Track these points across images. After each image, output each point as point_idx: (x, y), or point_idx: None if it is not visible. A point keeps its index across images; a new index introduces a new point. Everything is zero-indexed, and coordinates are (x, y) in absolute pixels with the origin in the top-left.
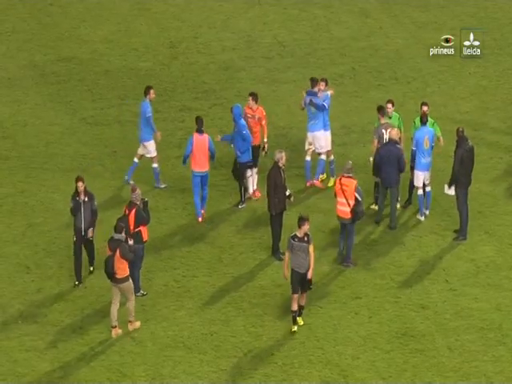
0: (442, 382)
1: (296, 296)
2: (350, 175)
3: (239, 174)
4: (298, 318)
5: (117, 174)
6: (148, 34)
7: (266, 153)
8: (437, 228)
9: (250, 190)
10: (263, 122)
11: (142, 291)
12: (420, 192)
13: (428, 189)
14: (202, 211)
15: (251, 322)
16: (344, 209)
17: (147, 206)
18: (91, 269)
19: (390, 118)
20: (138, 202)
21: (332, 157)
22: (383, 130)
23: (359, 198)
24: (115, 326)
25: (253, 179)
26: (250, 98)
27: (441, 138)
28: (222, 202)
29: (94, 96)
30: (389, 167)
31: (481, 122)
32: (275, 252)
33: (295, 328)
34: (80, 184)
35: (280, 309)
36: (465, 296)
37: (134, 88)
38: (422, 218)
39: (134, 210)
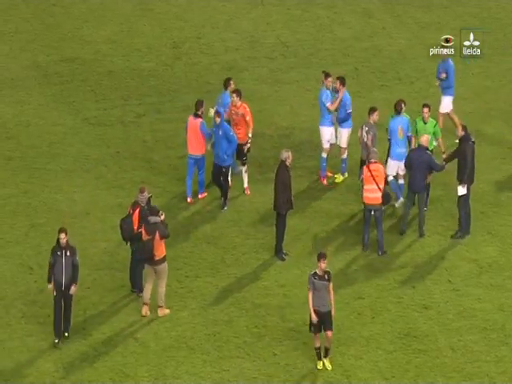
0: (445, 382)
1: (318, 335)
2: (377, 161)
3: (225, 177)
4: (325, 361)
5: (120, 174)
6: (151, 35)
7: (248, 150)
8: (439, 228)
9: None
10: (247, 118)
11: None
12: (390, 178)
13: (401, 181)
14: (201, 196)
15: (254, 323)
16: (375, 195)
17: (150, 202)
18: (66, 334)
19: None
20: (143, 204)
21: (345, 155)
22: (363, 126)
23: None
24: (146, 304)
25: (244, 177)
26: (234, 95)
27: (440, 139)
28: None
29: (97, 96)
30: (417, 172)
31: (484, 123)
32: (278, 252)
33: (321, 364)
34: (62, 236)
35: (283, 309)
36: (468, 296)
37: (136, 88)
38: (397, 204)
39: (137, 210)
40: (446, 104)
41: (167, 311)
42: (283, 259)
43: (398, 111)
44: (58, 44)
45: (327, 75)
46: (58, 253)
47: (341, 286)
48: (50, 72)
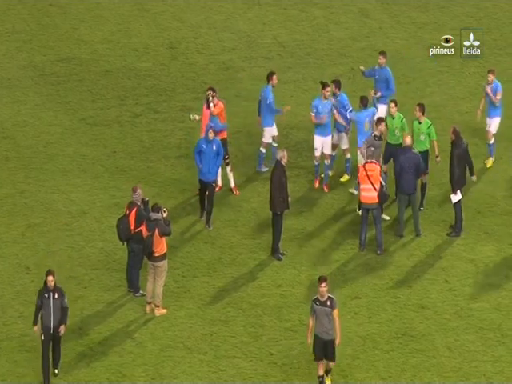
0: (442, 382)
1: (321, 362)
2: (374, 161)
3: (212, 194)
4: (325, 378)
5: (116, 174)
6: (148, 35)
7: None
8: (436, 228)
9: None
10: (222, 114)
11: (141, 291)
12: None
13: None
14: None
15: (251, 323)
16: (370, 194)
17: (147, 205)
18: (56, 371)
19: (394, 118)
20: (138, 203)
21: (348, 155)
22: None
23: (383, 183)
24: (150, 303)
25: (229, 177)
26: (210, 92)
27: (435, 141)
28: (222, 203)
29: (94, 96)
30: (409, 174)
31: (480, 122)
32: (275, 252)
33: None
34: (50, 278)
35: (280, 309)
36: (464, 296)
37: (133, 88)
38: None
39: (134, 210)
40: (381, 113)
41: (164, 311)
42: (280, 259)
43: (364, 105)
44: (54, 44)
45: (325, 85)
46: (46, 295)
47: (338, 286)
48: (46, 72)
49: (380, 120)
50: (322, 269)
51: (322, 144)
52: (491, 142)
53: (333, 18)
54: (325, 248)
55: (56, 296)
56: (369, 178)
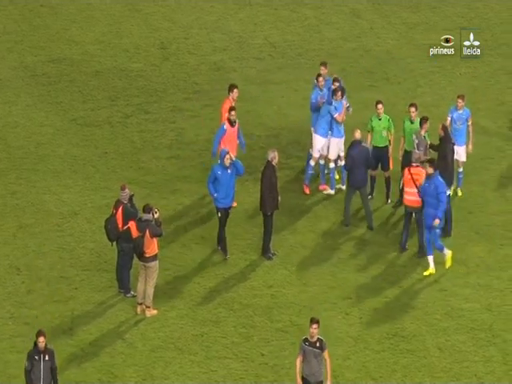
0: (433, 382)
1: None
2: (419, 165)
3: (225, 220)
4: None
5: (108, 175)
6: (139, 35)
7: None
8: None
9: None
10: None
11: (132, 292)
12: (333, 165)
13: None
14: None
15: (242, 323)
16: (415, 198)
17: (133, 200)
18: None
19: (380, 119)
20: (125, 201)
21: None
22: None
23: None
24: (141, 303)
25: None
26: (236, 91)
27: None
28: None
29: (85, 97)
30: (360, 168)
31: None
32: (266, 252)
33: None
34: (41, 339)
35: (271, 310)
36: (455, 296)
37: (124, 89)
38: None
39: (120, 208)
40: None
41: (155, 312)
42: (270, 259)
43: (342, 96)
44: (45, 45)
45: (339, 90)
46: (36, 357)
47: (329, 286)
48: (37, 73)
49: (424, 119)
50: (312, 269)
51: (327, 145)
52: (460, 169)
53: (324, 18)
54: (316, 248)
55: (47, 358)
56: (414, 182)
